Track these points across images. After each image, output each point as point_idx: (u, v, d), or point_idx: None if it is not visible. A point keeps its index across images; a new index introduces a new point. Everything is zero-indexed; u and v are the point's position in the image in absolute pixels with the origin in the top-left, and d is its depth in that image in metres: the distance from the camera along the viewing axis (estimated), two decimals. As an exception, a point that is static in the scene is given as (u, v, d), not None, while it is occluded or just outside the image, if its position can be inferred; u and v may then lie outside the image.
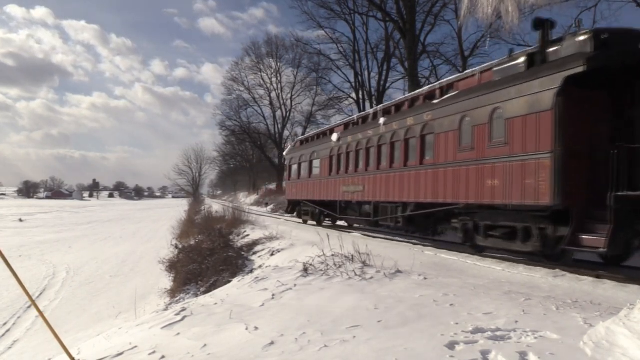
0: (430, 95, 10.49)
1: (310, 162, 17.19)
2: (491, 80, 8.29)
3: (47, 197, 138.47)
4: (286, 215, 22.26)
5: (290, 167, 19.80)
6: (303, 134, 49.34)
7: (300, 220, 19.53)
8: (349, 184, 13.86)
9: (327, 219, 17.21)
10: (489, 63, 9.01)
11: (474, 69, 9.76)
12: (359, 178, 13.35)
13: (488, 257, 8.49)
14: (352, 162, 13.78)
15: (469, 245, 9.10)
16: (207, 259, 12.85)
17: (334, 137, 14.84)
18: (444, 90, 9.97)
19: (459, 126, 8.86)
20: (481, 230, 8.60)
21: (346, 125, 15.02)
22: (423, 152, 10.29)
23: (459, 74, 11.34)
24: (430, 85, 11.93)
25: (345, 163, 14.28)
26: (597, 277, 6.47)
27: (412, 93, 12.32)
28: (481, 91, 8.34)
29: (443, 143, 9.38)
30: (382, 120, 12.05)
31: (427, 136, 10.15)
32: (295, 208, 19.64)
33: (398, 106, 12.02)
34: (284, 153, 20.61)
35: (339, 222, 17.18)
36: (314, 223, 17.74)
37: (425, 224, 10.83)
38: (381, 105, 13.84)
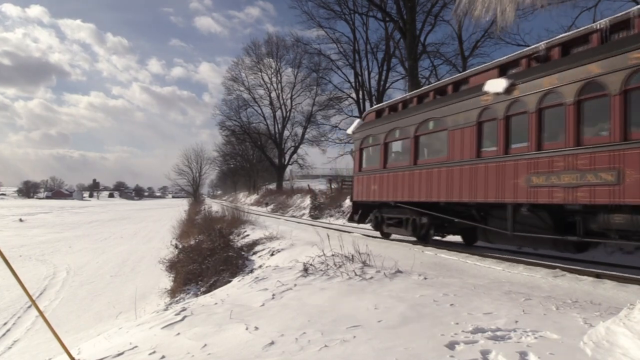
0: None
1: (415, 140, 10.31)
2: None
3: (47, 197, 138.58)
4: (351, 224, 14.96)
5: (361, 152, 13.03)
6: (303, 134, 49.69)
7: (378, 235, 13.03)
8: (557, 171, 6.95)
9: (436, 235, 10.82)
10: None
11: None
12: (600, 156, 6.38)
13: (488, 257, 8.48)
14: (571, 127, 6.80)
15: None
16: (207, 259, 12.86)
17: (496, 85, 8.11)
18: None
19: None
20: None
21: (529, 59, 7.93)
22: None
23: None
24: None
25: (536, 131, 7.37)
26: (597, 277, 6.48)
27: None
28: None
29: None
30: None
31: None
32: (368, 215, 12.98)
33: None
34: (349, 131, 13.54)
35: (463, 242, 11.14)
36: (413, 239, 11.15)
37: None
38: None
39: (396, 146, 11.66)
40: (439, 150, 9.74)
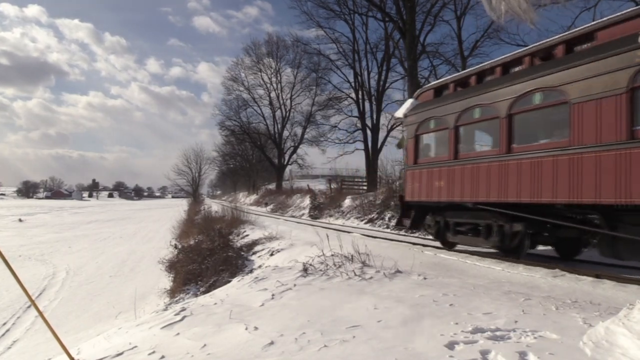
0: None
1: (509, 120, 7.73)
2: None
3: (47, 197, 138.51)
4: (397, 231, 12.47)
5: (417, 140, 10.23)
6: (302, 134, 49.73)
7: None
8: None
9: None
10: None
11: None
12: None
13: (487, 257, 8.48)
14: None
15: None
16: (206, 259, 12.87)
17: None
18: None
19: None
20: None
21: None
22: None
23: None
24: None
25: None
26: (597, 276, 6.48)
27: None
28: None
29: None
30: None
31: None
32: (423, 219, 10.43)
33: None
34: (399, 113, 10.87)
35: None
36: (492, 250, 8.84)
37: None
38: None
39: (475, 130, 9.06)
40: (552, 131, 7.43)
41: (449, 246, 9.97)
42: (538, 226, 7.82)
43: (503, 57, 8.34)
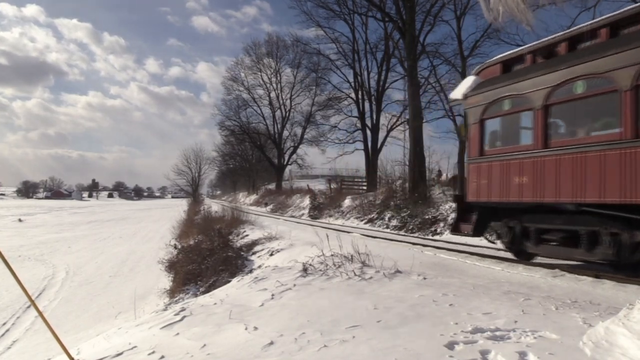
0: None
1: (636, 93, 5.86)
2: None
3: (47, 197, 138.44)
4: (456, 236, 10.21)
5: (483, 125, 8.35)
6: (302, 134, 49.67)
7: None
8: None
9: None
10: None
11: None
12: None
13: (487, 257, 8.48)
14: None
15: None
16: (206, 259, 12.87)
17: None
18: None
19: None
20: None
21: None
22: None
23: None
24: None
25: None
26: (596, 277, 6.48)
27: None
28: None
29: None
30: None
31: None
32: (489, 223, 8.66)
33: None
34: (457, 94, 8.95)
35: None
36: (596, 262, 7.05)
37: None
38: None
39: (576, 109, 6.93)
40: None
41: (525, 258, 8.11)
42: None
43: (612, 14, 6.49)
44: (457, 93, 8.93)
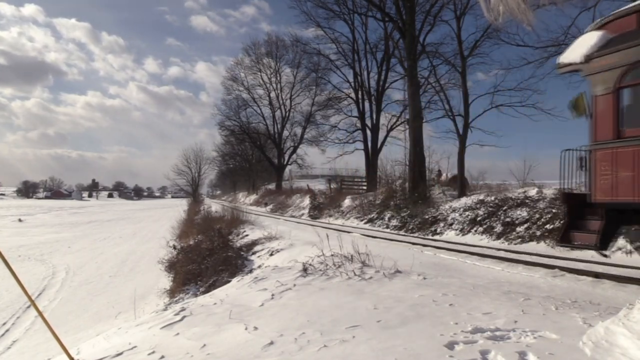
0: None
1: None
2: None
3: (47, 197, 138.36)
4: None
5: (618, 96, 5.75)
6: (302, 134, 49.58)
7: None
8: None
9: None
10: None
11: None
12: None
13: (487, 257, 8.48)
14: None
15: None
16: (206, 259, 12.87)
17: None
18: None
19: None
20: None
21: None
22: None
23: None
24: None
25: None
26: (596, 276, 6.48)
27: None
28: None
29: None
30: None
31: None
32: (617, 230, 6.74)
33: None
34: (575, 57, 6.12)
35: None
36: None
37: None
38: None
39: None
40: None
41: None
42: None
43: None
44: (572, 55, 6.45)
